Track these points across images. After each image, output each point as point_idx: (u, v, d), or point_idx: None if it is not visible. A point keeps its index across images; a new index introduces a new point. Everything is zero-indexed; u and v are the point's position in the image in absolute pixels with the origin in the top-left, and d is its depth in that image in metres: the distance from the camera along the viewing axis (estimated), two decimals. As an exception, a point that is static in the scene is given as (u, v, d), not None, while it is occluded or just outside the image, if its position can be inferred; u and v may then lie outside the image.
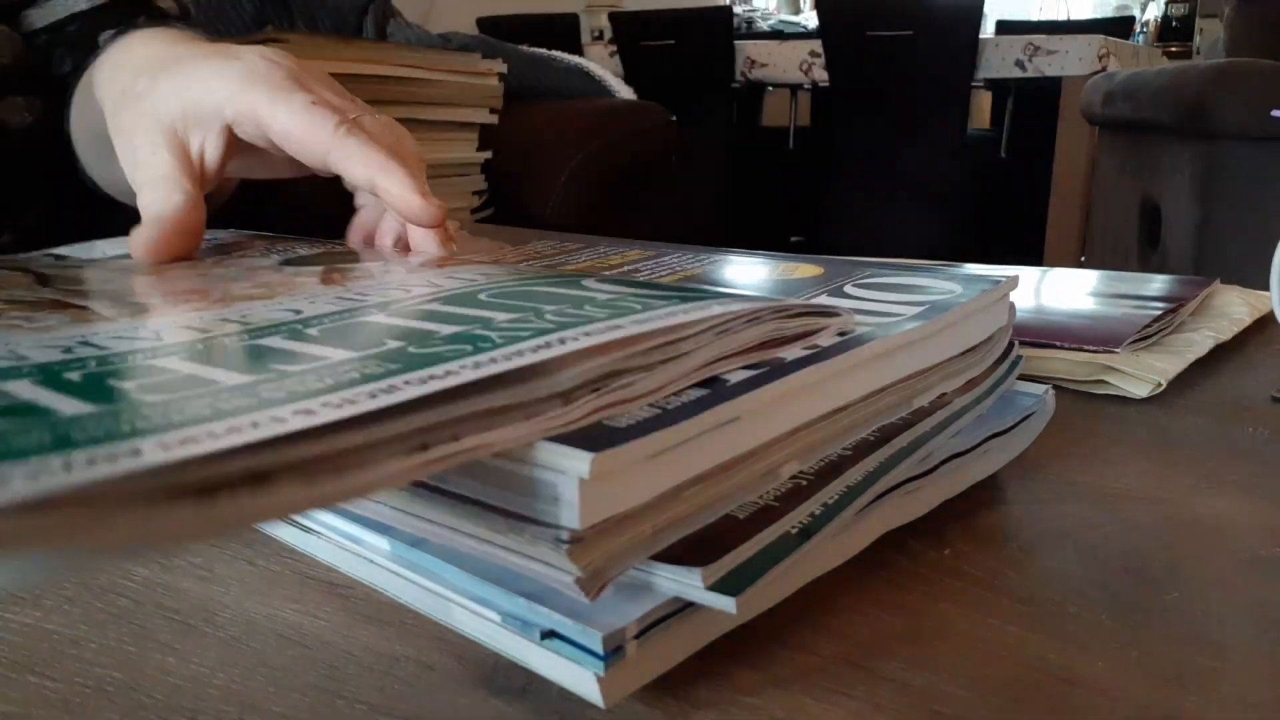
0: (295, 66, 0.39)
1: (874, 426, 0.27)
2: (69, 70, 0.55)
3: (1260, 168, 1.52)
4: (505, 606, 0.21)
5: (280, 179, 0.44)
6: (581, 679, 0.20)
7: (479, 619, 0.22)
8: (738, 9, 3.84)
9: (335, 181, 0.40)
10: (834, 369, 0.25)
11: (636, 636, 0.20)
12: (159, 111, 0.39)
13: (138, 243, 0.37)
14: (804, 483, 0.24)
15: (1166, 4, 4.57)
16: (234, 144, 0.39)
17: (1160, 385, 0.41)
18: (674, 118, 1.07)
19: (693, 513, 0.21)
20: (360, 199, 0.44)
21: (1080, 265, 2.45)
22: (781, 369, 0.24)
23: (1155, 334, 0.46)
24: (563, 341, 0.21)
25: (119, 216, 0.58)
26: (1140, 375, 0.41)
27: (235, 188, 0.47)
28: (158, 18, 0.55)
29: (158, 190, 0.38)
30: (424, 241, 0.38)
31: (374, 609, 0.25)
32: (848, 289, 0.33)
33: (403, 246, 0.40)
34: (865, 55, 2.71)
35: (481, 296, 0.27)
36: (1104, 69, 2.47)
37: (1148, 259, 1.83)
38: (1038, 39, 2.64)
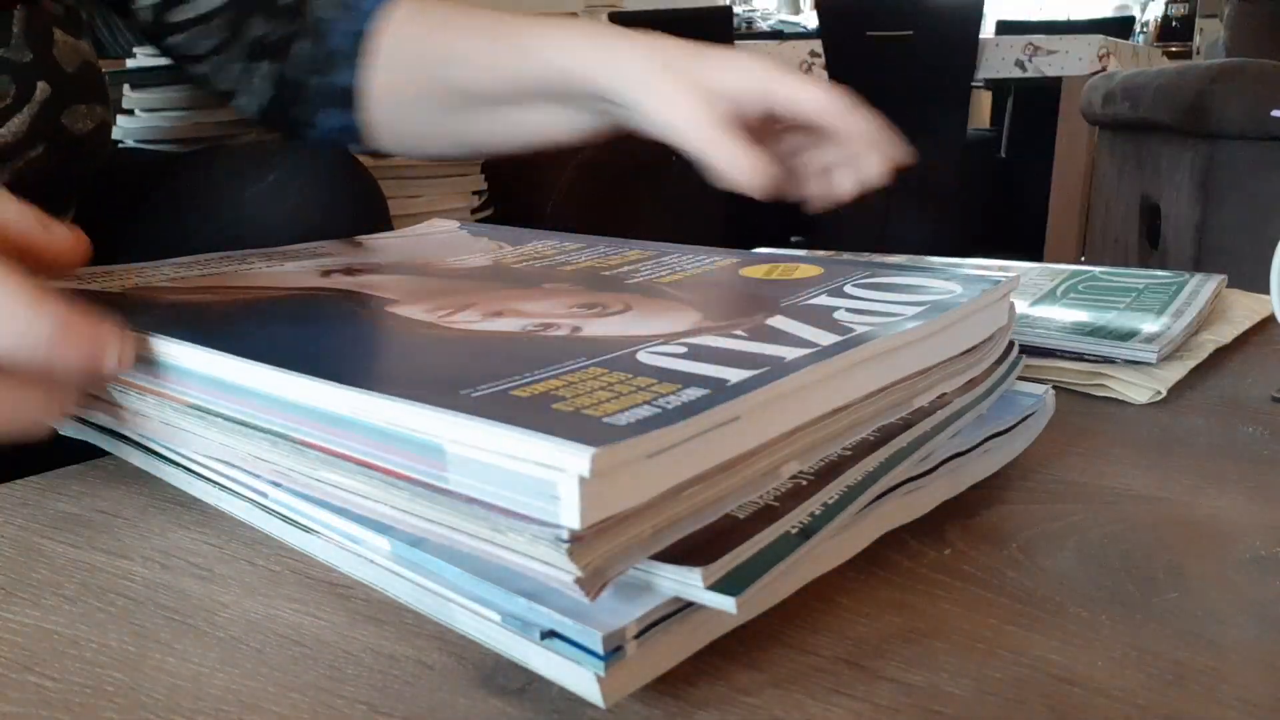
0: None
1: (874, 426, 0.27)
2: (213, 50, 0.57)
3: (1260, 168, 1.52)
4: (505, 606, 0.21)
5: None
6: (581, 679, 0.20)
7: (479, 619, 0.22)
8: (738, 9, 3.84)
9: None
10: (834, 369, 0.25)
11: (636, 636, 0.20)
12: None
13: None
14: (804, 483, 0.24)
15: (1166, 4, 4.56)
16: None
17: (1160, 393, 0.41)
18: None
19: (693, 513, 0.21)
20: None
21: (1081, 265, 2.44)
22: (781, 369, 0.24)
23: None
24: None
25: (156, 217, 0.59)
26: (1140, 383, 0.41)
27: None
28: None
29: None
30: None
31: (374, 609, 0.25)
32: (848, 289, 0.33)
33: None
34: (865, 55, 2.71)
35: None
36: (1104, 69, 2.47)
37: (1148, 259, 1.83)
38: (1038, 39, 2.63)
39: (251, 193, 0.57)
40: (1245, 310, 0.53)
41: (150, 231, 0.58)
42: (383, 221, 0.61)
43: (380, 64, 0.56)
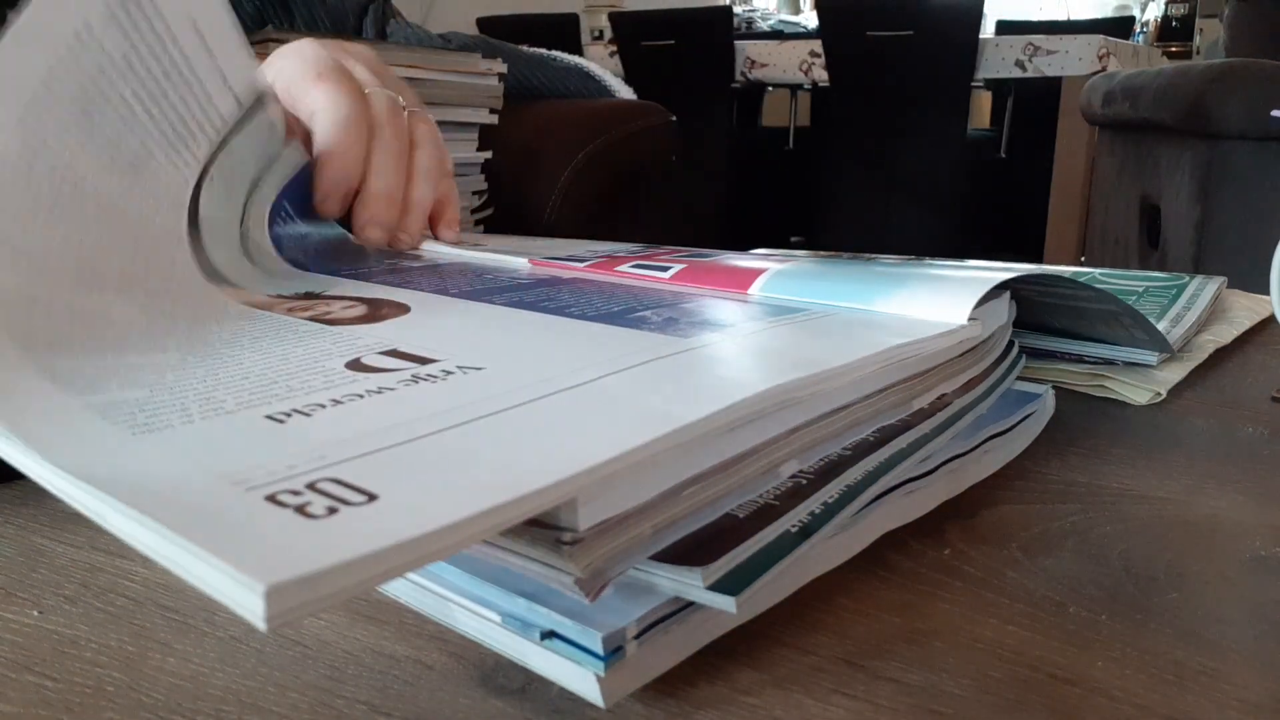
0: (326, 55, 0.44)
1: (874, 427, 0.27)
2: None
3: (1260, 168, 1.52)
4: (505, 606, 0.21)
5: None
6: (581, 679, 0.20)
7: (479, 619, 0.22)
8: (738, 9, 3.84)
9: None
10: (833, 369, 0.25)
11: (636, 636, 0.20)
12: None
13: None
14: (804, 482, 0.24)
15: (1166, 4, 4.56)
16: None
17: (1160, 395, 0.41)
18: (674, 118, 1.07)
19: (693, 512, 0.21)
20: None
21: (1080, 265, 2.45)
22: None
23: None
24: None
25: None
26: (1140, 384, 0.41)
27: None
28: None
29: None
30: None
31: (374, 609, 0.25)
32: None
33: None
34: (865, 55, 2.71)
35: None
36: (1104, 69, 2.47)
37: (1148, 259, 1.83)
38: (1038, 39, 2.64)
39: None
40: (1245, 310, 0.53)
41: None
42: None
43: None
